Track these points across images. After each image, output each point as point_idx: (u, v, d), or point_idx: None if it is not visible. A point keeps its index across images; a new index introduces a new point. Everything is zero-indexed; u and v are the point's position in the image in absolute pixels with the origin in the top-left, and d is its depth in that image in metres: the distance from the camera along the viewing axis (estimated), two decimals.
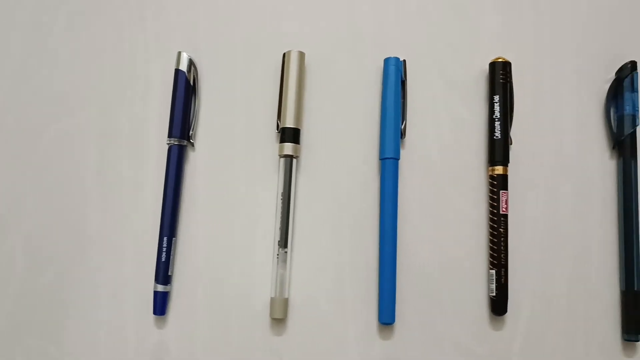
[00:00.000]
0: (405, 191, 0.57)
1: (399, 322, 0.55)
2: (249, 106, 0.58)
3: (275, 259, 0.55)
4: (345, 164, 0.57)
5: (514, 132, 0.57)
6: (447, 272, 0.56)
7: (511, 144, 0.57)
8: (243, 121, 0.58)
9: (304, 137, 0.58)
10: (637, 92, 0.57)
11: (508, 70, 0.57)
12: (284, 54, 0.57)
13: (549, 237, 0.56)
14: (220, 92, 0.59)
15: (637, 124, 0.56)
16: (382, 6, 0.59)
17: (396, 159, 0.56)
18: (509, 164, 0.56)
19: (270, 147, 0.57)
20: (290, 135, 0.56)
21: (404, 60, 0.58)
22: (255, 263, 0.56)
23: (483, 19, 0.59)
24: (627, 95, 0.56)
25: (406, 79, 0.58)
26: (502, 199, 0.55)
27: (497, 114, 0.56)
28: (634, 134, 0.56)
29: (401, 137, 0.57)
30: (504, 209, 0.55)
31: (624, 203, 0.56)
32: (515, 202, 0.56)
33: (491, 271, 0.55)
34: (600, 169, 0.57)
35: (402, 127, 0.57)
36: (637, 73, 0.57)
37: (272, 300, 0.55)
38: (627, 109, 0.56)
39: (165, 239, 0.55)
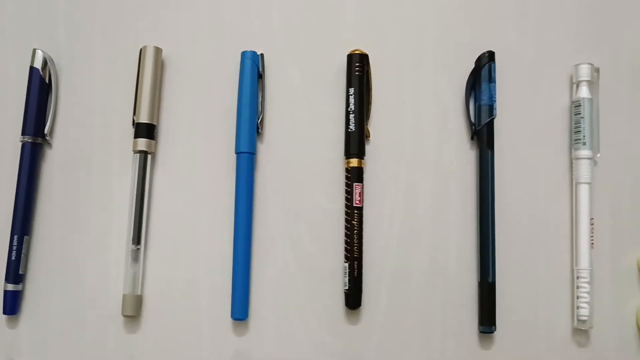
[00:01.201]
0: (263, 185, 0.56)
1: (253, 317, 0.55)
2: (107, 103, 0.58)
3: (128, 256, 0.54)
4: (203, 159, 0.57)
5: (373, 125, 0.57)
6: (304, 267, 0.55)
7: (368, 136, 0.56)
8: (101, 118, 0.58)
9: (162, 132, 0.57)
10: (494, 82, 0.56)
11: (365, 62, 0.56)
12: (140, 50, 0.57)
13: (407, 229, 0.55)
14: (79, 89, 0.58)
15: (494, 114, 0.56)
16: (243, 0, 0.59)
17: (251, 153, 0.56)
18: (369, 157, 0.56)
19: (127, 143, 0.57)
20: (144, 130, 0.56)
21: (262, 54, 0.57)
22: (109, 260, 0.55)
23: (343, 11, 0.58)
24: (484, 85, 0.56)
25: (264, 73, 0.57)
26: (356, 191, 0.55)
27: (352, 106, 0.56)
28: (491, 124, 0.56)
29: (259, 131, 0.57)
30: (357, 202, 0.55)
31: (480, 194, 0.55)
32: (373, 195, 0.56)
33: (345, 264, 0.54)
34: (459, 160, 0.56)
35: (259, 121, 0.56)
36: (494, 63, 0.56)
37: (124, 297, 0.54)
38: (484, 99, 0.56)
39: (15, 237, 0.54)
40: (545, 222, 0.56)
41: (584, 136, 0.55)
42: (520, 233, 0.55)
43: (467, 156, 0.56)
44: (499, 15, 0.58)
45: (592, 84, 0.56)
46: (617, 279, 0.55)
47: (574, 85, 0.57)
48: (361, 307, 0.54)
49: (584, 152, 0.55)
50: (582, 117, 0.55)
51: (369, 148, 0.56)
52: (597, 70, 0.57)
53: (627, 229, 0.55)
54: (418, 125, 0.57)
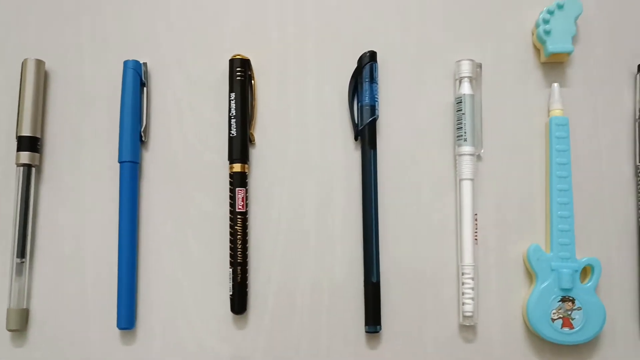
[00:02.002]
0: (149, 193, 0.56)
1: (141, 326, 0.55)
2: None
3: (12, 270, 0.54)
4: (88, 170, 0.57)
5: (259, 130, 0.57)
6: (191, 273, 0.55)
7: (252, 141, 0.56)
8: None
9: (47, 145, 0.57)
10: (376, 82, 0.56)
11: (247, 67, 0.56)
12: (22, 63, 0.57)
13: (294, 232, 0.55)
14: None
15: (376, 114, 0.56)
16: (125, 10, 0.59)
17: (135, 162, 0.55)
18: (255, 162, 0.56)
19: (11, 157, 0.56)
20: (27, 143, 0.56)
21: (145, 63, 0.57)
22: None
23: (226, 17, 0.58)
24: (366, 85, 0.56)
25: (147, 81, 0.57)
26: (239, 196, 0.55)
27: (233, 111, 0.56)
28: (373, 124, 0.56)
29: (143, 140, 0.56)
30: (240, 207, 0.55)
31: (363, 194, 0.55)
32: (260, 199, 0.56)
33: (229, 270, 0.54)
34: (344, 161, 0.56)
35: (142, 129, 0.56)
36: (375, 63, 0.57)
37: (9, 311, 0.54)
38: (366, 99, 0.56)
39: None
40: (430, 219, 0.56)
41: (465, 132, 0.55)
42: (406, 231, 0.55)
43: (351, 157, 0.56)
44: (382, 15, 0.58)
45: (475, 80, 0.57)
46: (503, 273, 0.55)
47: (457, 82, 0.57)
48: (248, 311, 0.55)
49: (466, 149, 0.55)
50: (463, 114, 0.56)
51: (254, 152, 0.57)
52: (480, 66, 0.57)
53: (512, 224, 0.55)
54: (303, 128, 0.57)
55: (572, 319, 0.53)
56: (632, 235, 0.55)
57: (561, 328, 0.53)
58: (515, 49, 0.58)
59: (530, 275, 0.54)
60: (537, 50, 0.57)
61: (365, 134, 0.56)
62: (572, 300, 0.53)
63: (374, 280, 0.54)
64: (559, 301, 0.53)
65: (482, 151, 0.56)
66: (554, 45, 0.56)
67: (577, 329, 0.53)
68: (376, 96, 0.56)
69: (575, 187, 0.55)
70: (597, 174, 0.56)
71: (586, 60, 0.57)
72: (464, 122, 0.55)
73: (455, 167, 0.56)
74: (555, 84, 0.56)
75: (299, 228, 0.56)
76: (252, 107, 0.57)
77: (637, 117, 0.56)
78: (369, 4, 0.58)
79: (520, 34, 0.58)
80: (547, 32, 0.56)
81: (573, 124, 0.56)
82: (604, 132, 0.56)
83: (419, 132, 0.57)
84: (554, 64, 0.57)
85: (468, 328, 0.54)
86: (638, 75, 0.56)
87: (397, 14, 0.58)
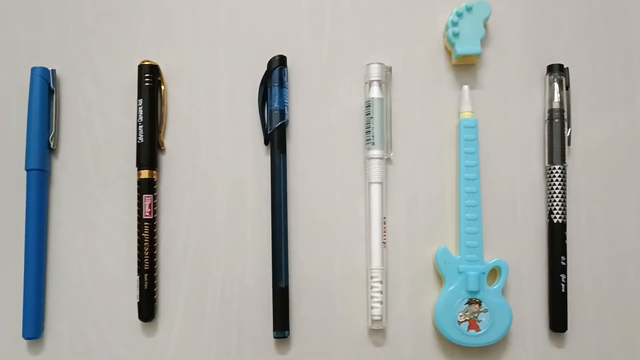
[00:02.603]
0: (59, 201, 0.56)
1: (49, 335, 0.54)
2: None
3: None
4: None
5: (169, 136, 0.57)
6: (100, 281, 0.55)
7: (162, 147, 0.56)
8: None
9: None
10: (285, 87, 0.56)
11: (156, 73, 0.56)
12: None
13: (204, 238, 0.55)
14: None
15: (285, 118, 0.56)
16: (35, 16, 0.58)
17: (42, 170, 0.55)
18: (165, 168, 0.56)
19: None
20: None
21: (53, 70, 0.57)
22: None
23: (137, 23, 0.58)
24: (275, 90, 0.56)
25: (56, 88, 0.57)
26: (146, 203, 0.54)
27: (141, 117, 0.55)
28: (282, 128, 0.56)
29: (52, 147, 0.56)
30: (147, 214, 0.54)
31: (273, 199, 0.55)
32: (169, 206, 0.56)
33: (137, 277, 0.54)
34: (255, 166, 0.56)
35: (51, 137, 0.56)
36: (285, 68, 0.56)
37: None
38: (275, 104, 0.56)
39: None
40: (341, 223, 0.56)
41: (373, 136, 0.55)
42: (316, 236, 0.55)
43: (262, 162, 0.56)
44: (293, 19, 0.58)
45: (384, 83, 0.57)
46: (414, 276, 0.55)
47: (367, 85, 0.57)
48: (158, 318, 0.54)
49: (374, 152, 0.55)
50: (371, 117, 0.55)
51: (164, 159, 0.56)
52: (390, 69, 0.57)
53: (423, 227, 0.55)
54: (213, 133, 0.57)
55: (479, 321, 0.53)
56: (542, 236, 0.55)
57: (467, 330, 0.53)
58: (427, 52, 0.57)
59: (440, 278, 0.55)
60: (449, 53, 0.57)
61: (275, 139, 0.56)
62: (479, 303, 0.53)
63: (282, 285, 0.54)
64: (466, 304, 0.53)
65: (392, 154, 0.56)
66: (462, 47, 0.55)
67: (484, 330, 0.53)
68: (286, 100, 0.56)
69: (486, 189, 0.55)
70: (507, 176, 0.56)
71: (497, 62, 0.57)
72: (372, 125, 0.55)
73: (365, 170, 0.56)
74: (465, 86, 0.56)
75: (209, 234, 0.55)
76: (162, 113, 0.57)
77: (546, 118, 0.56)
78: (280, 8, 0.58)
79: (432, 36, 0.58)
80: (456, 35, 0.56)
81: (484, 125, 0.56)
82: (514, 134, 0.56)
83: (330, 136, 0.57)
84: (465, 66, 0.57)
85: (377, 332, 0.54)
86: (547, 76, 0.56)
87: (309, 18, 0.58)
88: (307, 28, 0.58)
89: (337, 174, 0.56)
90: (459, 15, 0.56)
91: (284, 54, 0.56)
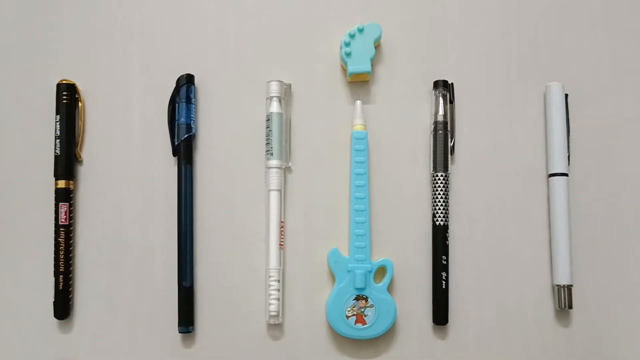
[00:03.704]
0: None
1: None
2: None
3: None
4: None
5: (87, 149, 0.61)
6: (13, 283, 0.60)
7: (79, 159, 0.61)
8: None
9: None
10: (192, 103, 0.61)
11: (73, 91, 0.61)
12: None
13: (117, 242, 0.60)
14: None
15: (192, 131, 0.61)
16: None
17: None
18: (83, 179, 0.61)
19: None
20: None
21: None
22: None
23: (57, 44, 0.63)
24: (182, 105, 0.61)
25: None
26: (62, 210, 0.59)
27: (58, 132, 0.60)
28: (189, 140, 0.61)
29: None
30: (63, 220, 0.59)
31: (179, 206, 0.60)
32: (86, 213, 0.61)
33: (53, 278, 0.59)
34: (164, 176, 0.61)
35: None
36: (193, 85, 0.61)
37: None
38: (183, 118, 0.61)
39: None
40: (243, 227, 0.61)
41: (271, 147, 0.60)
42: (220, 239, 0.60)
43: (171, 172, 0.61)
44: (201, 40, 0.63)
45: (284, 99, 0.62)
46: (309, 276, 0.60)
47: (267, 101, 0.62)
48: (73, 316, 0.59)
49: (273, 162, 0.60)
50: (270, 130, 0.60)
51: (82, 170, 0.61)
52: (289, 86, 0.62)
53: (319, 230, 0.60)
54: (127, 146, 0.62)
55: (365, 316, 0.58)
56: (427, 237, 0.60)
57: (355, 324, 0.58)
58: (325, 70, 0.63)
59: (333, 276, 0.59)
60: (344, 70, 0.63)
61: (182, 150, 0.61)
62: (366, 299, 0.58)
63: (187, 284, 0.59)
64: (354, 299, 0.58)
65: (291, 164, 0.61)
66: (354, 66, 0.61)
67: (370, 324, 0.58)
68: (192, 115, 0.61)
69: (376, 194, 0.60)
70: (396, 182, 0.61)
71: (388, 79, 0.62)
72: (270, 137, 0.60)
73: (265, 179, 0.61)
74: (358, 101, 0.61)
75: (121, 238, 0.60)
76: (79, 127, 0.61)
77: (432, 129, 0.61)
78: (189, 30, 0.63)
79: (329, 55, 0.63)
80: (348, 54, 0.61)
81: (375, 137, 0.61)
82: (403, 144, 0.61)
83: (234, 148, 0.62)
84: (359, 83, 0.62)
85: (275, 326, 0.59)
86: (433, 91, 0.62)
87: (215, 40, 0.63)
88: (214, 49, 0.63)
89: (240, 182, 0.61)
90: (352, 36, 0.61)
91: (192, 73, 0.62)
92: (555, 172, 0.60)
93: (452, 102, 0.62)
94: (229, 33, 0.63)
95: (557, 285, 0.58)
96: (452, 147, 0.61)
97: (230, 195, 0.61)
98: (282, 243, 0.59)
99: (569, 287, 0.58)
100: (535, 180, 0.61)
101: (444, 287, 0.59)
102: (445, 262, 0.59)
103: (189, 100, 0.61)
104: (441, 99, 0.61)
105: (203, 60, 0.63)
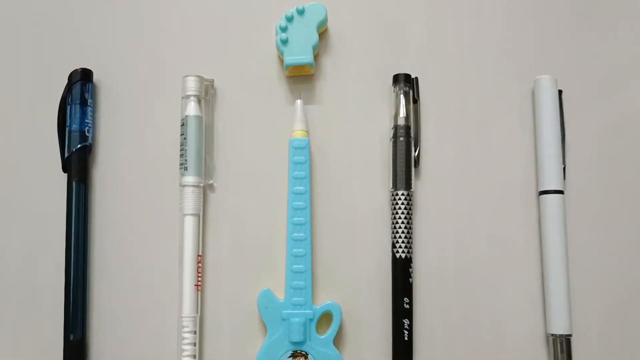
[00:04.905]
0: None
1: None
2: None
3: None
4: None
5: None
6: None
7: None
8: None
9: None
10: (89, 105, 0.49)
11: None
12: None
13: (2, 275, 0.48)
14: None
15: (88, 141, 0.48)
16: None
17: None
18: None
19: None
20: None
21: None
22: None
23: None
24: (75, 108, 0.48)
25: None
26: None
27: None
28: (84, 152, 0.48)
29: None
30: None
31: (68, 237, 0.47)
32: None
33: None
34: (52, 198, 0.48)
35: None
36: (90, 83, 0.49)
37: None
38: (75, 125, 0.48)
39: None
40: (150, 263, 0.48)
41: (186, 160, 0.47)
42: (121, 279, 0.48)
43: (61, 192, 0.48)
44: (106, 28, 0.50)
45: (204, 99, 0.49)
46: (236, 323, 0.47)
47: (184, 101, 0.49)
48: None
49: (188, 179, 0.47)
50: (185, 138, 0.48)
51: None
52: (211, 82, 0.49)
53: (249, 265, 0.48)
54: (10, 159, 0.49)
55: None
56: (386, 274, 0.47)
57: None
58: (258, 63, 0.50)
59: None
60: (282, 62, 0.50)
61: (73, 165, 0.48)
62: (305, 355, 0.45)
63: (76, 338, 0.46)
64: (289, 357, 0.45)
65: (212, 181, 0.49)
66: (292, 56, 0.48)
67: None
68: (88, 120, 0.48)
69: (321, 218, 0.48)
70: (347, 203, 0.48)
71: (338, 73, 0.50)
72: (185, 148, 0.48)
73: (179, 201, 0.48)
74: (298, 101, 0.49)
75: (6, 271, 0.48)
76: None
77: (391, 136, 0.49)
78: (88, 14, 0.51)
79: (263, 44, 0.50)
80: (285, 42, 0.48)
81: (320, 146, 0.49)
82: (356, 154, 0.49)
83: (142, 162, 0.49)
84: (300, 78, 0.50)
85: None
86: (393, 88, 0.49)
87: (124, 28, 0.50)
88: (119, 38, 0.50)
89: (148, 205, 0.49)
90: (289, 19, 0.49)
91: (90, 68, 0.49)
92: (547, 189, 0.47)
93: (416, 101, 0.49)
94: (137, 18, 0.51)
95: (553, 334, 0.46)
96: (417, 158, 0.48)
97: (135, 221, 0.48)
98: (199, 282, 0.47)
99: (568, 338, 0.45)
100: (522, 199, 0.48)
101: (406, 338, 0.45)
102: (408, 306, 0.46)
103: (84, 102, 0.48)
104: (402, 98, 0.48)
105: (104, 52, 0.50)
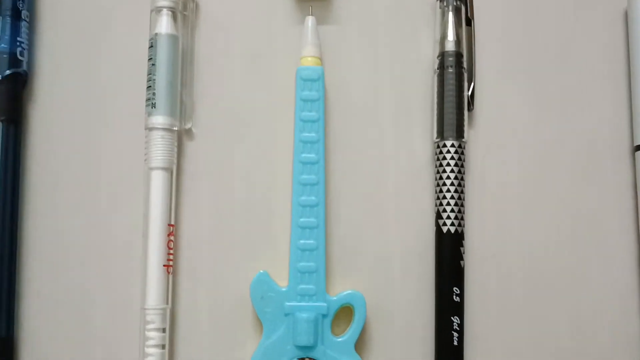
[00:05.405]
0: None
1: None
2: None
3: None
4: None
5: None
6: None
7: None
8: None
9: None
10: (24, 18, 0.35)
11: None
12: None
13: None
14: None
15: (21, 67, 0.35)
16: None
17: None
18: None
19: None
20: None
21: None
22: None
23: None
24: (5, 21, 0.35)
25: None
26: None
27: None
28: (14, 82, 0.35)
29: None
30: None
31: None
32: None
33: None
34: None
35: None
36: None
37: None
38: (2, 44, 0.35)
39: None
40: (103, 236, 0.35)
41: (154, 94, 0.35)
42: (64, 257, 0.35)
43: None
44: None
45: (182, 13, 0.36)
46: (219, 318, 0.34)
47: (153, 15, 0.36)
48: None
49: (157, 120, 0.34)
50: (154, 65, 0.35)
51: None
52: None
53: (238, 238, 0.35)
54: None
55: None
56: (428, 254, 0.35)
57: None
58: None
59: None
60: None
61: (1, 98, 0.35)
62: None
63: (1, 334, 0.34)
64: None
65: (191, 125, 0.36)
66: None
67: None
68: (22, 38, 0.36)
69: (338, 177, 0.35)
70: (374, 157, 0.36)
71: None
72: (154, 78, 0.35)
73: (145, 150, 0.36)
74: (309, 18, 0.36)
75: None
76: None
77: (436, 67, 0.36)
78: None
79: None
80: None
81: (339, 78, 0.36)
82: (386, 91, 0.36)
83: (97, 95, 0.36)
84: None
85: None
86: (438, 3, 0.36)
87: None
88: None
89: (104, 155, 0.36)
90: None
91: None
92: None
93: (470, 21, 0.36)
94: None
95: None
96: (471, 98, 0.36)
97: (83, 178, 0.36)
98: (170, 262, 0.34)
99: None
100: (612, 156, 0.36)
101: (455, 342, 0.33)
102: (458, 299, 0.33)
103: (16, 14, 0.36)
104: (451, 16, 0.36)
105: None
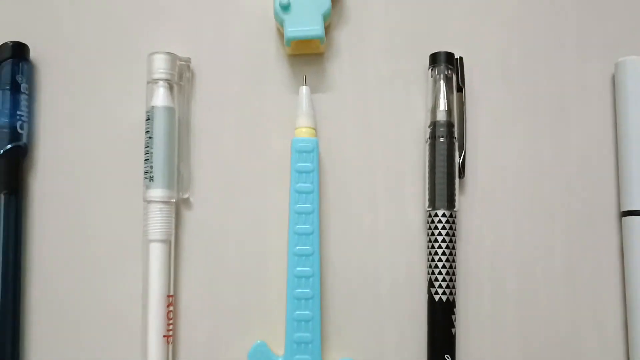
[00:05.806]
0: None
1: None
2: None
3: None
4: None
5: None
6: None
7: None
8: None
9: None
10: (23, 92, 0.36)
11: None
12: None
13: None
14: None
15: (21, 140, 0.36)
16: None
17: None
18: None
19: None
20: None
21: None
22: None
23: None
24: (5, 95, 0.36)
25: None
26: None
27: None
28: (14, 155, 0.36)
29: None
30: None
31: None
32: None
33: None
34: None
35: None
36: (25, 63, 0.36)
37: None
38: (3, 118, 0.36)
39: None
40: (103, 306, 0.36)
41: (151, 167, 0.35)
42: (63, 327, 0.36)
43: None
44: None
45: (178, 84, 0.37)
46: None
47: (150, 87, 0.37)
48: None
49: (154, 193, 0.35)
50: (151, 138, 0.36)
51: None
52: (187, 62, 0.37)
53: (234, 309, 0.35)
54: None
55: None
56: (420, 322, 0.35)
57: None
58: (250, 36, 0.37)
59: None
60: (281, 35, 0.38)
61: (0, 172, 0.36)
62: None
63: None
64: None
65: (189, 195, 0.37)
66: (295, 27, 0.36)
67: None
68: (21, 112, 0.36)
69: (332, 248, 0.36)
70: (370, 226, 0.36)
71: (354, 51, 0.37)
72: (152, 150, 0.36)
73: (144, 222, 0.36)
74: (304, 88, 0.37)
75: None
76: None
77: (427, 136, 0.37)
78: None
79: (259, 12, 0.38)
80: (286, 7, 0.36)
81: (332, 148, 0.37)
82: (378, 160, 0.37)
83: (96, 168, 0.37)
84: (305, 57, 0.37)
85: None
86: (430, 72, 0.37)
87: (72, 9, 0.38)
88: (67, 6, 0.38)
89: (104, 227, 0.36)
90: None
91: (26, 42, 0.37)
92: (632, 208, 0.35)
93: (461, 89, 0.37)
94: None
95: None
96: (462, 167, 0.37)
97: (83, 249, 0.36)
98: (169, 333, 0.35)
99: None
100: (599, 221, 0.36)
101: None
102: None
103: (15, 87, 0.36)
104: (443, 85, 0.36)
105: (44, 22, 0.38)
